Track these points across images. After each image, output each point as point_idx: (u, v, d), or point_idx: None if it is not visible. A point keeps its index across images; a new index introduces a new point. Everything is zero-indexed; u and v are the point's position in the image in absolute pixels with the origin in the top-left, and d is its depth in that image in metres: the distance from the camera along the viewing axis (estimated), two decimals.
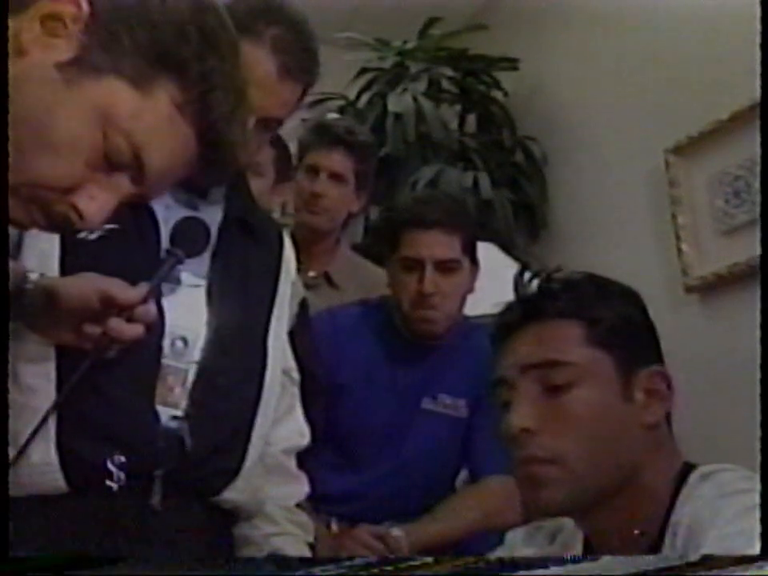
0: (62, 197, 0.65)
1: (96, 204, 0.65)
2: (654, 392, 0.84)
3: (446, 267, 1.48)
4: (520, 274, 0.88)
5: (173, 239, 0.99)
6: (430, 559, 0.62)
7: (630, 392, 0.83)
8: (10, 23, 0.63)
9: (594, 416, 0.81)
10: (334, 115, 2.21)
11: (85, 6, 0.63)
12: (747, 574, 0.59)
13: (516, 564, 0.64)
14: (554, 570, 0.62)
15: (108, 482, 0.91)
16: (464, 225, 1.53)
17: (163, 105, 0.65)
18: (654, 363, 0.86)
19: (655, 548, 0.79)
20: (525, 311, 0.86)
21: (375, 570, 0.61)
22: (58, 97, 0.62)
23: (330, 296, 1.70)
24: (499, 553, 0.93)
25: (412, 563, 0.62)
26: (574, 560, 0.74)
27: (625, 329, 0.85)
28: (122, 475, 0.92)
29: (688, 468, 0.83)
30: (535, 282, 0.87)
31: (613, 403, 0.82)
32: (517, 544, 0.92)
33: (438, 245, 1.47)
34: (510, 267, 1.97)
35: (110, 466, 0.91)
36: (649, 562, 0.65)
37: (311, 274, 1.72)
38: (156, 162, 0.66)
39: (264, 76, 1.00)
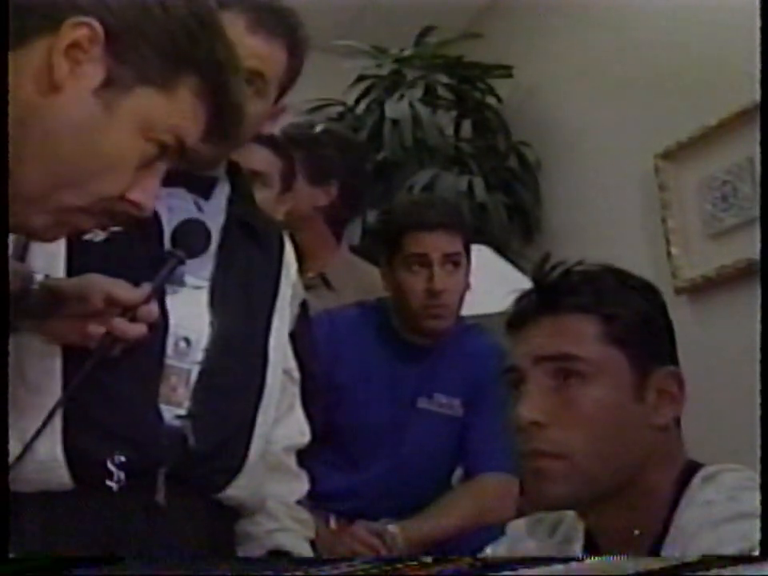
0: (120, 198, 0.71)
1: (148, 194, 0.72)
2: (666, 393, 0.82)
3: (451, 261, 1.49)
4: (541, 263, 0.86)
5: (174, 241, 1.00)
6: (428, 559, 0.62)
7: (642, 392, 0.81)
8: (33, 50, 0.66)
9: (604, 414, 0.79)
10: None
11: (98, 27, 0.66)
12: (747, 574, 0.59)
13: (515, 563, 0.65)
14: (553, 569, 0.62)
15: (108, 482, 0.92)
16: (462, 226, 1.55)
17: (187, 98, 0.71)
18: (668, 363, 0.84)
19: (657, 548, 0.77)
20: (542, 301, 0.84)
21: (373, 571, 0.61)
22: (100, 123, 0.68)
23: (327, 297, 1.70)
24: (500, 545, 0.92)
25: (410, 563, 0.63)
26: (575, 559, 0.73)
27: (642, 326, 0.82)
28: (122, 475, 0.92)
29: (692, 467, 0.82)
30: (555, 274, 0.85)
31: (624, 403, 0.80)
32: (518, 536, 0.91)
33: (442, 243, 1.49)
34: (504, 270, 2.00)
35: (109, 466, 0.92)
36: (647, 562, 0.66)
37: (309, 275, 1.73)
38: (192, 141, 0.73)
39: (232, 34, 1.00)
